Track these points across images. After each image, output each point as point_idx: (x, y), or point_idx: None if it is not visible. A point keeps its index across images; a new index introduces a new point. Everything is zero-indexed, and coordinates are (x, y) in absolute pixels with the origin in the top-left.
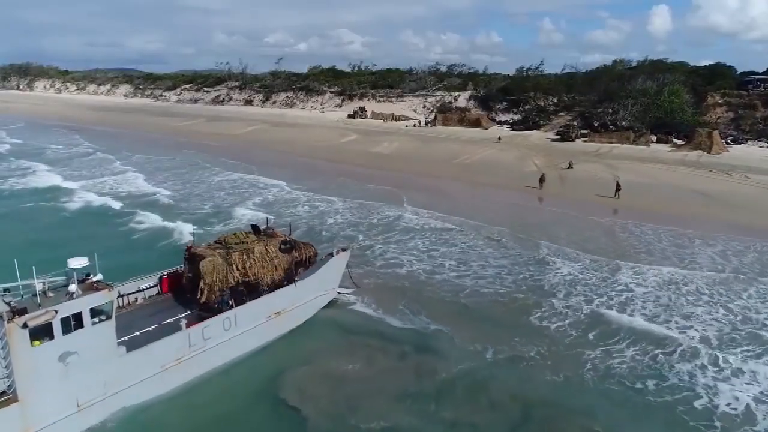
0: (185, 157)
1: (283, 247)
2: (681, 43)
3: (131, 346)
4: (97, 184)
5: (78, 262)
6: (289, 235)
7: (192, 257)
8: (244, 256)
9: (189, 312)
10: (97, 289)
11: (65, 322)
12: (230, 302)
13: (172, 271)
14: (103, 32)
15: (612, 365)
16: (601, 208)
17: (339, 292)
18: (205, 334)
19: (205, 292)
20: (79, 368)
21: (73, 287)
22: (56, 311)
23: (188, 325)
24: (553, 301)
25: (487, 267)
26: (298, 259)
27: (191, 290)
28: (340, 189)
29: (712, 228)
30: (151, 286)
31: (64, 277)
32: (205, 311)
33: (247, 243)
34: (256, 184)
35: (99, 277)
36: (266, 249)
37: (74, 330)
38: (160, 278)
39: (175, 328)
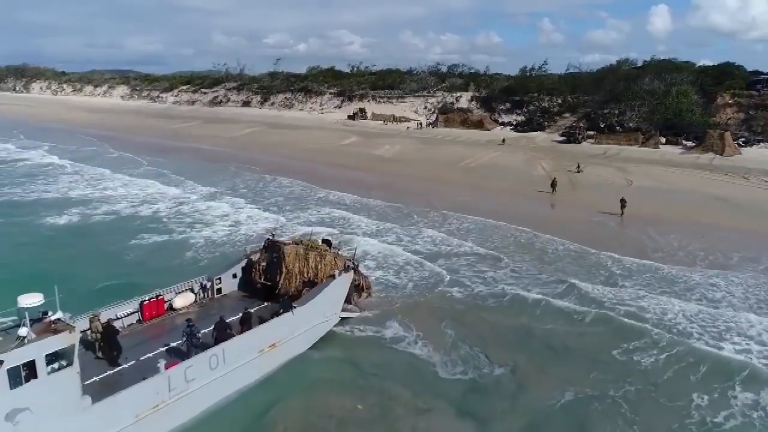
0: (184, 160)
1: (347, 265)
2: (681, 43)
3: (101, 391)
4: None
5: (30, 300)
6: (354, 258)
7: (272, 246)
8: (318, 258)
9: (172, 344)
10: (56, 331)
11: (13, 373)
12: (199, 335)
13: (153, 297)
14: (103, 33)
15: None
16: (626, 217)
17: (341, 317)
18: (188, 375)
19: (283, 276)
20: (33, 427)
21: (24, 330)
22: (1, 361)
23: (168, 366)
24: (633, 328)
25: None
26: (356, 283)
27: (265, 279)
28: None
29: (746, 240)
30: (130, 314)
31: (16, 317)
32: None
33: (320, 249)
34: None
35: (59, 315)
36: (335, 261)
37: (25, 382)
38: (141, 304)
39: (153, 365)
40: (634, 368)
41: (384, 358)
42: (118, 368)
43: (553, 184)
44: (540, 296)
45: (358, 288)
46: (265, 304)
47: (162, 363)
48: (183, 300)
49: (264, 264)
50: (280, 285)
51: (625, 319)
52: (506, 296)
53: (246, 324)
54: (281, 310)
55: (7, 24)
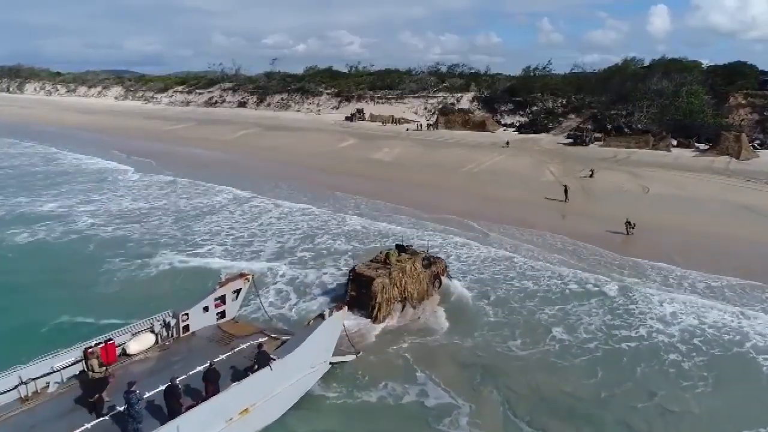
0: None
1: (424, 263)
2: (680, 43)
3: None
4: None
5: None
6: (427, 251)
7: (357, 278)
8: (400, 274)
9: (118, 407)
10: None
11: None
12: (140, 403)
13: (101, 342)
14: (102, 34)
15: None
16: (656, 228)
17: (332, 363)
18: None
19: (376, 309)
20: None
21: None
22: None
23: None
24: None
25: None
26: (435, 273)
27: (358, 307)
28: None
29: None
30: (71, 364)
31: None
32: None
33: (401, 262)
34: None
35: None
36: (413, 266)
37: None
38: (85, 352)
39: None
40: None
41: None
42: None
43: (566, 191)
44: (624, 345)
45: (436, 277)
46: (242, 346)
47: None
48: (140, 343)
49: (353, 294)
50: (374, 317)
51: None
52: (581, 349)
53: (211, 384)
54: (256, 365)
55: (7, 25)
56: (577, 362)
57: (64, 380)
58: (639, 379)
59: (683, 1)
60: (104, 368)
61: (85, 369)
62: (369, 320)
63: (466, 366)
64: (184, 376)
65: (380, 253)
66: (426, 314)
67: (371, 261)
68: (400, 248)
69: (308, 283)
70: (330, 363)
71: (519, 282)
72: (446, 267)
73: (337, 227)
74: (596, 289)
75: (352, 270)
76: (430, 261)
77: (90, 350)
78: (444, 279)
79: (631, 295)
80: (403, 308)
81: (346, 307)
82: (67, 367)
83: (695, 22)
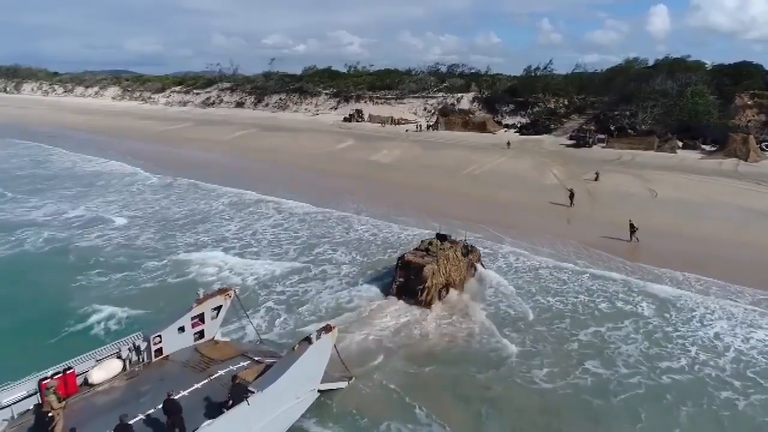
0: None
1: (463, 251)
2: (680, 43)
3: None
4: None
5: None
6: (465, 240)
7: (406, 264)
8: (445, 261)
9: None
10: None
11: None
12: None
13: (60, 371)
14: (101, 34)
15: None
16: (668, 234)
17: (320, 391)
18: None
19: (425, 293)
20: None
21: None
22: None
23: None
24: None
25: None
26: (471, 262)
27: (405, 294)
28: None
29: None
30: (23, 398)
31: None
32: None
33: (444, 250)
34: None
35: None
36: (456, 255)
37: None
38: (40, 383)
39: None
40: None
41: None
42: None
43: (571, 196)
44: (665, 378)
45: (472, 265)
46: (221, 372)
47: None
48: (104, 371)
49: (401, 280)
50: (422, 300)
51: None
52: (621, 385)
53: (172, 415)
54: (230, 401)
55: (6, 26)
56: (615, 402)
57: (15, 417)
58: (687, 426)
59: (683, 1)
60: (63, 402)
61: (40, 402)
62: (417, 307)
63: (477, 401)
64: (152, 410)
65: (422, 241)
66: (457, 302)
67: (416, 249)
68: (441, 237)
69: (305, 300)
70: (319, 391)
71: (543, 298)
72: (480, 256)
73: (340, 235)
74: (629, 308)
75: (401, 258)
76: (468, 249)
77: (45, 382)
78: (478, 266)
79: (667, 315)
80: (447, 293)
81: (336, 329)
82: (18, 401)
83: (695, 22)
